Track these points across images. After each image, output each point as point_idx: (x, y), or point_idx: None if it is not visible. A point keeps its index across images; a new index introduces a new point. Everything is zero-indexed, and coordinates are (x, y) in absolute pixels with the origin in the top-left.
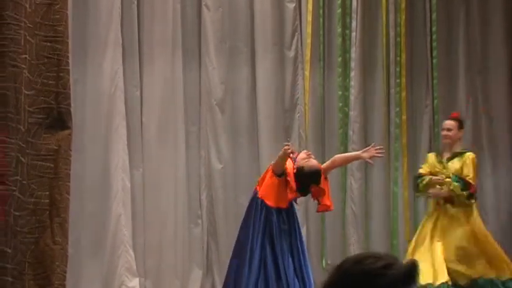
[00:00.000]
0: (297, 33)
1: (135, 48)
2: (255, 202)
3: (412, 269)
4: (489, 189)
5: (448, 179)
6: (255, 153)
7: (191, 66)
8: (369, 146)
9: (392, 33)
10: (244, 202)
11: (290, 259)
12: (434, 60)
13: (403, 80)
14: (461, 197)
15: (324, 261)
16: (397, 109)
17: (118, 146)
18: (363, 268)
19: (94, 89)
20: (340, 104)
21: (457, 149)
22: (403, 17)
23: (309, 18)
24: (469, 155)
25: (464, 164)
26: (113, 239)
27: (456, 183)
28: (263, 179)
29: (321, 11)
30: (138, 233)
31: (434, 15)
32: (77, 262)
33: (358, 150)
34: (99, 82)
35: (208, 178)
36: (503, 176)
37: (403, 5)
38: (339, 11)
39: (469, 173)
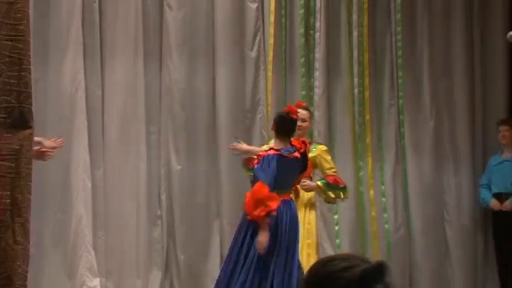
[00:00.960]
0: (259, 34)
1: (97, 47)
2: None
3: (369, 273)
4: (452, 190)
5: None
6: (214, 154)
7: (152, 66)
8: (333, 145)
9: (355, 34)
10: (203, 203)
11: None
12: (399, 60)
13: (366, 79)
14: (331, 196)
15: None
16: (361, 109)
17: (79, 145)
18: (325, 270)
19: (55, 88)
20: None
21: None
22: (366, 17)
23: (272, 18)
24: (322, 148)
25: (322, 158)
26: (74, 239)
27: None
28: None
29: (284, 11)
30: (99, 233)
31: (399, 16)
32: (38, 262)
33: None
34: (61, 81)
35: (167, 179)
36: (465, 178)
37: (365, 6)
38: (302, 11)
39: (330, 166)
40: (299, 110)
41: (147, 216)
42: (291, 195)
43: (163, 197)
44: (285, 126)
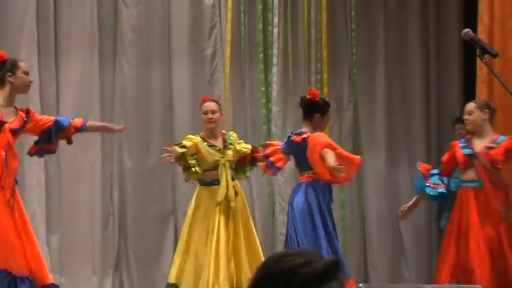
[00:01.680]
0: (215, 30)
1: (51, 44)
2: None
3: (328, 269)
4: (406, 188)
5: None
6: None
7: (107, 63)
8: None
9: (313, 30)
10: (155, 200)
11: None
12: (354, 57)
13: (325, 76)
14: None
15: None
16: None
17: (32, 141)
18: (281, 266)
19: None
20: (263, 100)
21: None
22: (324, 14)
23: (229, 15)
24: (232, 134)
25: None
26: None
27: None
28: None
29: (242, 7)
30: (53, 229)
31: (353, 13)
32: None
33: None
34: None
35: (120, 176)
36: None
37: (324, 3)
38: (260, 7)
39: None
40: (207, 103)
41: (101, 213)
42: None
43: (115, 194)
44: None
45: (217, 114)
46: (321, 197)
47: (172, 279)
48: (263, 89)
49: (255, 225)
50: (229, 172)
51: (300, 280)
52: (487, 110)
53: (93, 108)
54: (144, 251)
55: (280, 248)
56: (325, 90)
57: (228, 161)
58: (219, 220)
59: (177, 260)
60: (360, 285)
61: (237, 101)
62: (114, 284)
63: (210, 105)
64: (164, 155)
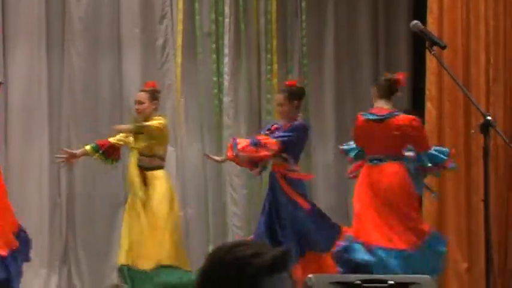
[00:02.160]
0: (165, 20)
1: None
2: None
3: (278, 259)
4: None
5: None
6: None
7: (55, 53)
8: (242, 132)
9: (263, 21)
10: (105, 190)
11: None
12: (304, 48)
13: (275, 66)
14: None
15: (210, 247)
16: (268, 96)
17: None
18: (232, 256)
19: None
20: (215, 90)
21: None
22: (274, 4)
23: (180, 4)
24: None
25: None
26: None
27: None
28: None
29: None
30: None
31: (304, 4)
32: None
33: (233, 136)
34: None
35: (69, 165)
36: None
37: None
38: None
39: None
40: (138, 93)
41: (49, 203)
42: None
43: (63, 184)
44: None
45: (144, 105)
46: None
47: (122, 261)
48: (215, 79)
49: (206, 216)
50: (135, 159)
51: (252, 271)
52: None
53: (41, 98)
54: (94, 242)
55: (231, 239)
56: (275, 80)
57: (135, 148)
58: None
59: (123, 243)
60: (310, 276)
61: (189, 91)
62: (62, 276)
63: (138, 95)
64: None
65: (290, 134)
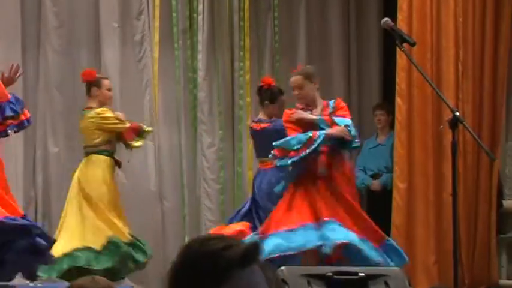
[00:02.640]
0: (142, 16)
1: None
2: None
3: (249, 252)
4: None
5: None
6: None
7: (31, 49)
8: (216, 127)
9: (236, 18)
10: None
11: None
12: (276, 45)
13: (247, 63)
14: None
15: (186, 239)
16: (241, 91)
17: None
18: (205, 249)
19: None
20: (190, 86)
21: None
22: (247, 1)
23: (157, 1)
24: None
25: None
26: None
27: None
28: None
29: None
30: None
31: (276, 1)
32: None
33: (207, 131)
34: None
35: (44, 160)
36: None
37: None
38: None
39: None
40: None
41: (23, 198)
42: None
43: (39, 179)
44: None
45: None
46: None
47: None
48: (190, 74)
49: (182, 209)
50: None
51: (224, 263)
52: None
53: (16, 93)
54: None
55: (205, 232)
56: (247, 76)
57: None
58: None
59: None
60: (282, 268)
61: (167, 86)
62: None
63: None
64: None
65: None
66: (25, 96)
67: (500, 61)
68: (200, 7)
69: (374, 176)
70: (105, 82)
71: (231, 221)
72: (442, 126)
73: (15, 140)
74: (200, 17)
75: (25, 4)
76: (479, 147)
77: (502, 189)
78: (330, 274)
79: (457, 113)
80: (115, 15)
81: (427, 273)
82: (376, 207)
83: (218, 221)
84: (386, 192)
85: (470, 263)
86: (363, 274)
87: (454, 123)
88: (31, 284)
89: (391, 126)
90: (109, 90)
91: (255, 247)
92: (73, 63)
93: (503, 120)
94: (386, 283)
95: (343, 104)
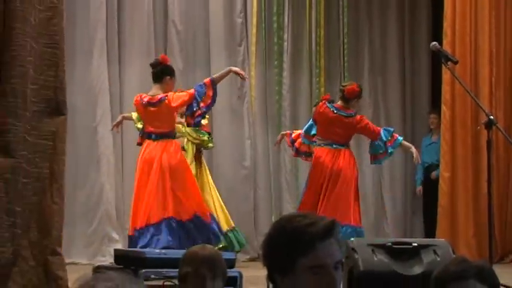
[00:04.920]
0: (243, 42)
1: None
2: None
3: (328, 227)
4: (388, 166)
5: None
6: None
7: None
8: (296, 129)
9: (313, 44)
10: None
11: None
12: (346, 64)
13: (322, 79)
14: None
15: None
16: (317, 101)
17: None
18: (292, 225)
19: None
20: (277, 97)
21: None
22: (322, 32)
23: (254, 30)
24: None
25: None
26: None
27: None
28: None
29: (263, 25)
30: None
31: (345, 30)
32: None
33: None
34: None
35: None
36: (398, 156)
37: (322, 22)
38: (275, 25)
39: None
40: None
41: None
42: None
43: None
44: None
45: None
46: None
47: None
48: (276, 88)
49: (270, 195)
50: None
51: (307, 237)
52: None
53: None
54: None
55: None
56: (322, 89)
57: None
58: None
59: None
60: (352, 239)
61: (260, 96)
62: None
63: None
64: None
65: None
66: None
67: None
68: (285, 36)
69: (428, 168)
70: None
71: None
72: (479, 127)
73: None
74: (285, 43)
75: (155, 30)
76: (509, 144)
77: None
78: (390, 244)
79: (491, 117)
80: (223, 41)
81: (467, 244)
82: (432, 193)
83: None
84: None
85: (503, 236)
86: (416, 244)
87: (489, 125)
88: (157, 251)
89: None
90: None
91: (333, 224)
92: (193, 78)
93: None
94: (435, 252)
95: None
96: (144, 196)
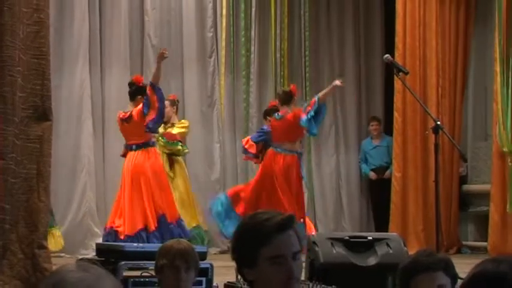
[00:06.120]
0: (213, 54)
1: None
2: None
3: (285, 221)
4: (344, 167)
5: None
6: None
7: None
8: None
9: (278, 56)
10: None
11: None
12: (307, 75)
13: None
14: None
15: None
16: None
17: None
18: (253, 220)
19: None
20: (244, 104)
21: (175, 120)
22: (286, 44)
23: (223, 44)
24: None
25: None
26: None
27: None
28: None
29: (232, 39)
30: None
31: (307, 43)
32: None
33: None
34: None
35: None
36: (354, 156)
37: (286, 36)
38: (243, 39)
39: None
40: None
41: None
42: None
43: None
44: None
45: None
46: None
47: None
48: (244, 96)
49: None
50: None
51: (266, 230)
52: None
53: None
54: None
55: None
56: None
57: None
58: None
59: None
60: (313, 233)
61: (228, 104)
62: None
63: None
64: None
65: None
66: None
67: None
68: (252, 48)
69: (378, 169)
70: None
71: None
72: (427, 132)
73: None
74: (252, 56)
75: (132, 43)
76: (453, 146)
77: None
78: (347, 238)
79: (438, 122)
80: (195, 52)
81: (417, 238)
82: (381, 191)
83: None
84: (387, 180)
85: (448, 230)
86: (371, 238)
87: (436, 130)
88: (135, 244)
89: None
90: None
91: (290, 217)
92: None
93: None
94: (388, 244)
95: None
96: (125, 202)
